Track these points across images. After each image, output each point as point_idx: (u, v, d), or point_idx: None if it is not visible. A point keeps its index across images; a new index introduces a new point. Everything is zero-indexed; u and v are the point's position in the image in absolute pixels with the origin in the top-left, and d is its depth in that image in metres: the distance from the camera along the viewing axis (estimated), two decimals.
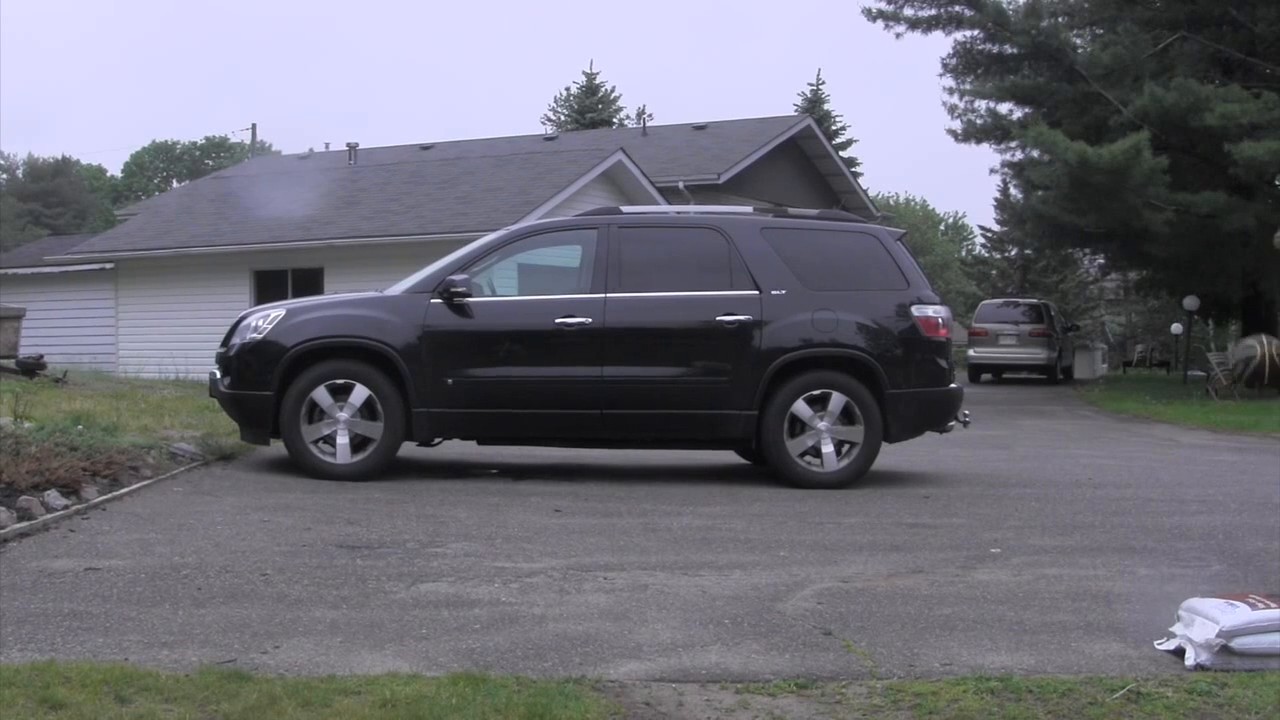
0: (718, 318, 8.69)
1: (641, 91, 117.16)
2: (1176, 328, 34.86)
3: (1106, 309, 54.69)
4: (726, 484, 8.86)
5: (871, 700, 3.94)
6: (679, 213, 10.51)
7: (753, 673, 4.20)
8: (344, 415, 8.44)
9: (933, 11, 25.47)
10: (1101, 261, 38.11)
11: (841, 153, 41.76)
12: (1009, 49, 25.95)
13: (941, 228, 76.80)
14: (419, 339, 8.53)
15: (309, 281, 21.18)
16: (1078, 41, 26.97)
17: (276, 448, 8.92)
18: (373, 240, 21.31)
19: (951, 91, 27.20)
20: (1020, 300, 33.28)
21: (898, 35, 25.84)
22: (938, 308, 9.13)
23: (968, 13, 25.13)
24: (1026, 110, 26.51)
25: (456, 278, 8.65)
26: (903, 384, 8.74)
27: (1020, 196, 32.60)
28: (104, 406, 10.71)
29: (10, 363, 13.83)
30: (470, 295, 8.63)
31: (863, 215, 20.20)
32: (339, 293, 11.49)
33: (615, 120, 49.78)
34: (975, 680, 4.12)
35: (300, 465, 8.47)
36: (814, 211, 10.58)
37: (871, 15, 25.81)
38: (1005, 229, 48.07)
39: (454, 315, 8.60)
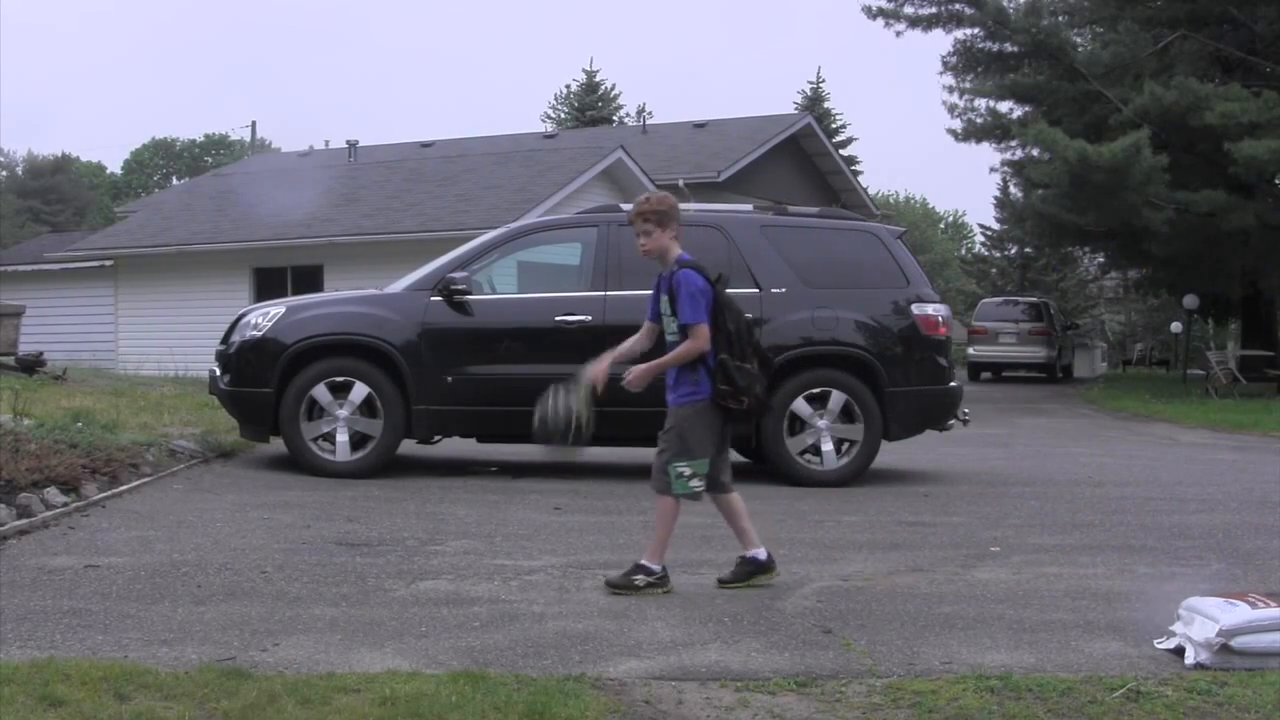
0: None
1: (641, 89, 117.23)
2: (1176, 326, 34.86)
3: (1106, 307, 54.67)
4: None
5: (871, 699, 3.93)
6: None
7: (752, 671, 4.20)
8: (343, 413, 8.44)
9: (933, 10, 25.46)
10: (1101, 260, 38.08)
11: (841, 151, 41.74)
12: (1009, 47, 25.93)
13: (941, 226, 76.85)
14: (419, 336, 8.53)
15: (309, 279, 21.17)
16: (1078, 40, 26.97)
17: (276, 445, 8.91)
18: (373, 238, 21.30)
19: (951, 90, 27.20)
20: (1020, 299, 33.26)
21: (898, 33, 25.84)
22: (937, 306, 9.14)
23: (968, 11, 25.11)
24: (1026, 109, 26.50)
25: (456, 275, 8.65)
26: (902, 382, 8.74)
27: (1020, 195, 32.56)
28: (103, 404, 10.70)
29: (10, 360, 13.82)
30: (470, 293, 8.63)
31: (862, 213, 20.18)
32: (339, 290, 11.50)
33: (615, 118, 49.76)
34: (975, 679, 4.12)
35: (300, 463, 8.47)
36: (814, 210, 10.58)
37: (872, 13, 25.79)
38: (1005, 227, 47.97)
39: (454, 313, 8.60)
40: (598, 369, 5.31)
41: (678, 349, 5.22)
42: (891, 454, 9.47)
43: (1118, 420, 18.14)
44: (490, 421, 8.83)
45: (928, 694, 3.96)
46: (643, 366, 5.29)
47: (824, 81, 68.72)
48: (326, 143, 40.14)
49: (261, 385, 8.52)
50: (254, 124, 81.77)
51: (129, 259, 23.84)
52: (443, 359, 8.52)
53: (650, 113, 47.71)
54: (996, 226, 50.94)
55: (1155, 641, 4.59)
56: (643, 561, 5.31)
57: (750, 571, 5.39)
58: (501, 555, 6.01)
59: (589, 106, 50.13)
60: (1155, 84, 21.83)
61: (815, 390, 8.65)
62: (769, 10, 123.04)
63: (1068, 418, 18.52)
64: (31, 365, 13.71)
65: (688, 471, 5.18)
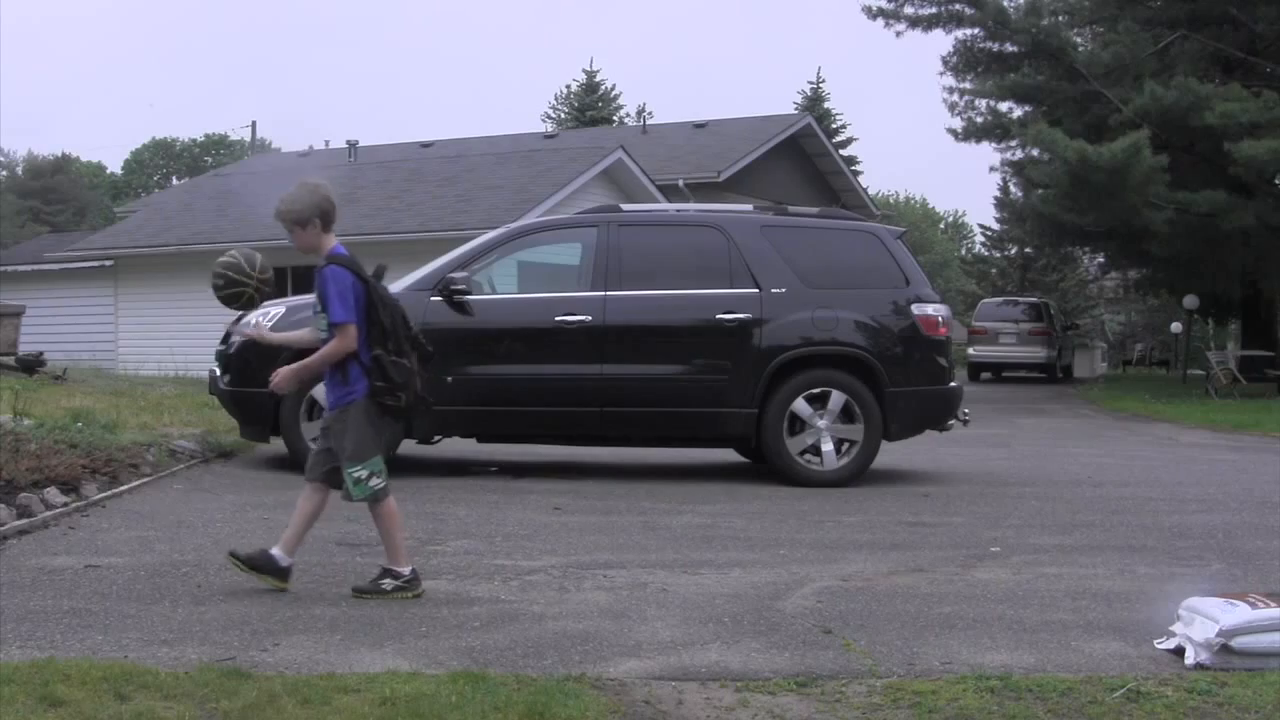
0: (718, 316, 8.69)
1: (641, 89, 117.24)
2: (1176, 327, 34.86)
3: (1106, 308, 54.66)
4: (726, 482, 8.85)
5: (871, 699, 3.93)
6: (679, 211, 10.51)
7: (752, 671, 4.20)
8: None
9: (933, 10, 25.46)
10: (1101, 260, 38.06)
11: (841, 151, 41.75)
12: (1009, 47, 25.94)
13: (941, 226, 76.83)
14: None
15: (309, 279, 21.08)
16: (1078, 40, 26.98)
17: (276, 445, 8.91)
18: (373, 238, 21.26)
19: (952, 90, 27.24)
20: (1020, 299, 33.27)
21: (898, 33, 25.84)
22: (937, 306, 9.13)
23: (968, 11, 25.12)
24: (1027, 109, 26.52)
25: (456, 275, 8.65)
26: (902, 382, 8.74)
27: (1020, 195, 32.59)
28: (103, 404, 10.71)
29: (10, 360, 13.82)
30: (470, 293, 8.63)
31: (863, 214, 20.17)
32: None
33: (615, 118, 49.78)
34: (975, 679, 4.12)
35: (300, 463, 8.45)
36: (814, 210, 10.59)
37: (872, 13, 25.79)
38: (1005, 227, 47.96)
39: (454, 313, 8.60)
40: (258, 333, 5.46)
41: (324, 349, 5.07)
42: (891, 454, 9.47)
43: (1118, 420, 18.14)
44: (490, 421, 8.83)
45: (928, 694, 3.96)
46: (288, 368, 5.16)
47: (824, 82, 68.70)
48: (327, 143, 40.11)
49: (262, 385, 8.43)
50: (254, 124, 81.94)
51: (129, 259, 23.84)
52: (443, 359, 8.50)
53: (650, 113, 47.81)
54: (996, 226, 50.96)
55: (1155, 642, 4.59)
56: (388, 565, 5.10)
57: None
58: (501, 555, 6.01)
59: (589, 107, 50.15)
60: (1155, 84, 21.84)
61: (815, 390, 8.65)
62: (769, 11, 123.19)
63: (1068, 418, 18.52)
64: (31, 365, 13.71)
65: (364, 474, 4.99)
